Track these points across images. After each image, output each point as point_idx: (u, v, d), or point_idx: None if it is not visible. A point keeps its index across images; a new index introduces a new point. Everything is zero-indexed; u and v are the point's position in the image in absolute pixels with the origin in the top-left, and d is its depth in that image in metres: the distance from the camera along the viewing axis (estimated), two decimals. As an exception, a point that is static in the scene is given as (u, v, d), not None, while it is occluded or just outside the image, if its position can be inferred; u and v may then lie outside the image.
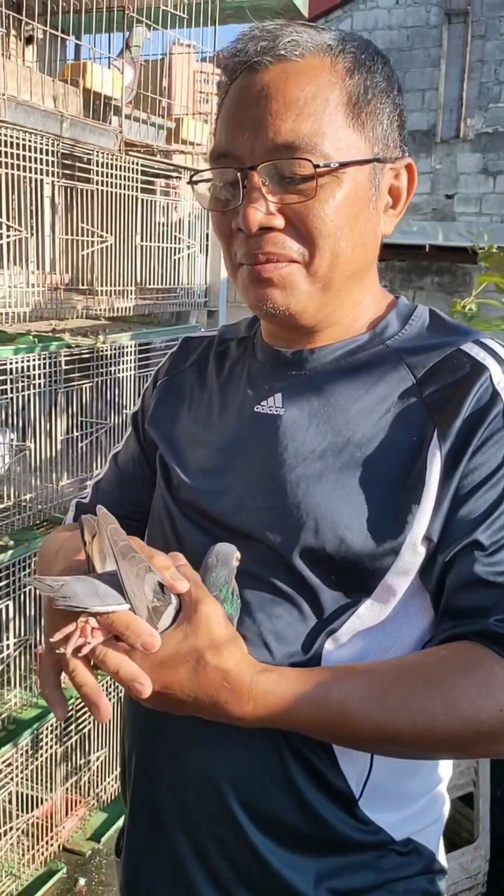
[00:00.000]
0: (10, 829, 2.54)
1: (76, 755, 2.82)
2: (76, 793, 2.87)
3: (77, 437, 2.55)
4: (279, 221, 0.88)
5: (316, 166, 0.86)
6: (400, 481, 0.89)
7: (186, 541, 0.99)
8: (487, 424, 0.87)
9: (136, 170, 2.61)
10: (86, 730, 2.79)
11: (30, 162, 2.27)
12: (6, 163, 2.20)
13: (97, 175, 2.43)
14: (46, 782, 2.69)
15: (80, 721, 2.74)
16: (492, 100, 7.37)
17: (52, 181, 2.37)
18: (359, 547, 0.88)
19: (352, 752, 0.90)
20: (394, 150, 0.94)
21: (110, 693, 2.89)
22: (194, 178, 0.96)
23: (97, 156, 2.40)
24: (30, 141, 2.25)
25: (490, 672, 0.81)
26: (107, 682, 2.84)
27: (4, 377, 2.27)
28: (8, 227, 2.30)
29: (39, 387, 2.41)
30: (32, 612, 2.50)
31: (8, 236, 2.32)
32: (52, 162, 2.31)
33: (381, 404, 0.92)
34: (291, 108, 0.87)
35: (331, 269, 0.90)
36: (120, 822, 2.95)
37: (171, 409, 1.09)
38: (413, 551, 0.88)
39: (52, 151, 2.30)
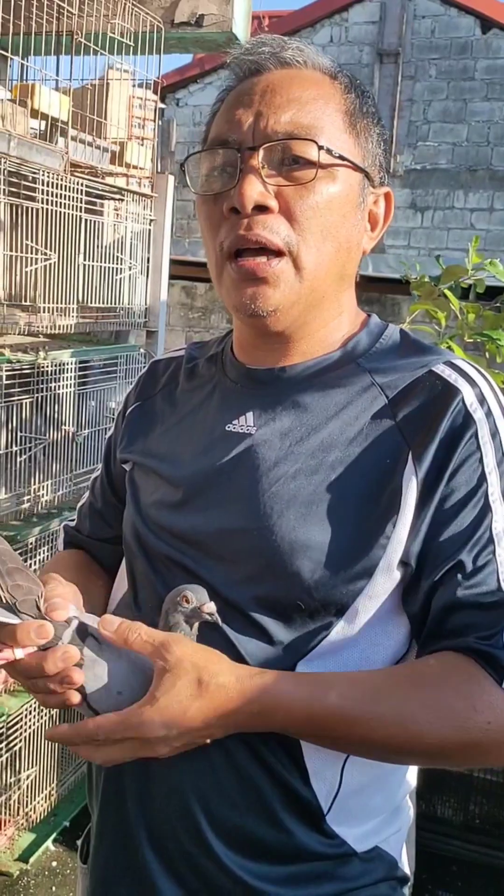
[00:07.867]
0: None
1: (5, 773, 2.78)
2: (5, 812, 2.83)
3: (16, 451, 2.54)
4: (273, 202, 0.89)
5: (320, 148, 0.88)
6: (373, 503, 0.88)
7: (157, 561, 0.97)
8: (463, 447, 0.88)
9: (81, 190, 2.65)
10: (16, 748, 2.76)
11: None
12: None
13: (43, 194, 2.46)
14: (-25, 802, 2.66)
15: (10, 739, 2.71)
16: (420, 138, 7.62)
17: (-2, 198, 2.40)
18: (332, 571, 0.87)
19: (322, 769, 0.91)
20: (378, 173, 0.97)
21: (42, 713, 2.87)
22: (189, 156, 0.96)
23: (43, 175, 2.43)
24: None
25: (477, 685, 0.83)
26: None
27: None
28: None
29: (-21, 401, 2.41)
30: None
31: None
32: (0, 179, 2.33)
33: (353, 425, 0.92)
34: (293, 104, 0.90)
35: (316, 265, 0.91)
36: (49, 843, 2.92)
37: (144, 432, 1.09)
38: (387, 575, 0.88)
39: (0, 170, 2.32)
